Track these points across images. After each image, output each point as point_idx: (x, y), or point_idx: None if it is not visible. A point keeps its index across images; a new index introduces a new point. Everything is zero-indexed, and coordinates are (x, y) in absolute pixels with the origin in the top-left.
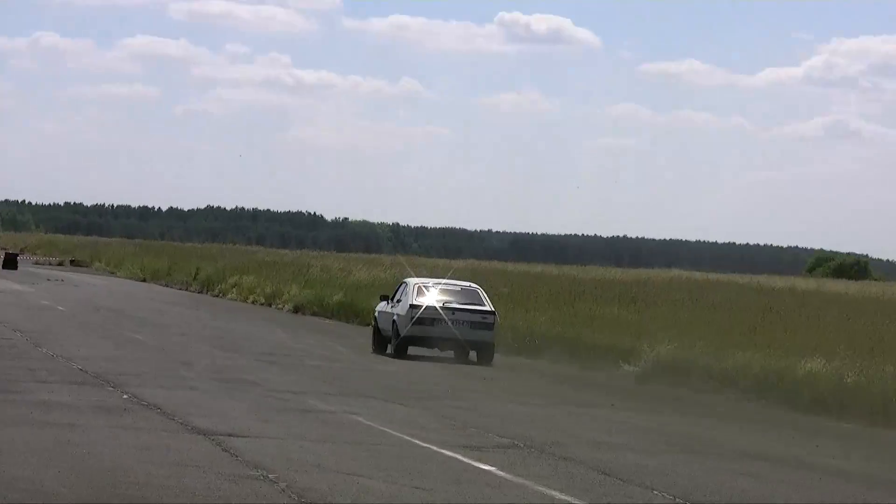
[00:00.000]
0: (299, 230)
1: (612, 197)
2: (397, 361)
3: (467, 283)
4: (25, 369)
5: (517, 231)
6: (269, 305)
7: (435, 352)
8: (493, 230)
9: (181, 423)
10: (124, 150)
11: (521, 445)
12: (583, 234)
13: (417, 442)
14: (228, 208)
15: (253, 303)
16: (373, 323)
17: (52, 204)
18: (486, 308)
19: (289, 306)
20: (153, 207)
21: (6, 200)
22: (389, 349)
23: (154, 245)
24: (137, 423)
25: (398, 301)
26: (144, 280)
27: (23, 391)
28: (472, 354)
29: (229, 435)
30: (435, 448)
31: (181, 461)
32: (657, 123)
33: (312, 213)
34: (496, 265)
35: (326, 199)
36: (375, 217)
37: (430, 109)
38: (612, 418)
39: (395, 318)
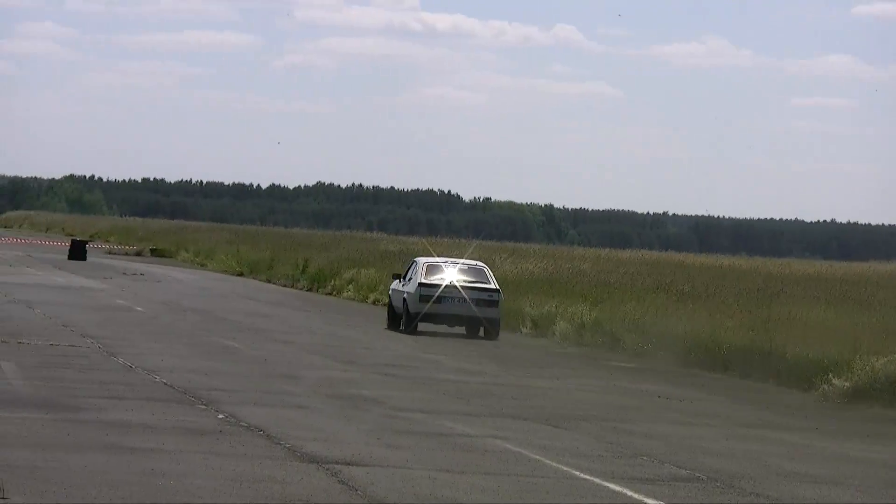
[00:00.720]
0: (430, 213)
1: (816, 171)
2: (548, 377)
3: (474, 262)
4: (98, 384)
5: (698, 214)
6: None
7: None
8: (669, 213)
9: (288, 449)
10: (213, 114)
11: (703, 478)
12: (780, 219)
13: (577, 473)
14: (343, 186)
15: (374, 303)
16: (388, 301)
17: (127, 181)
18: (491, 286)
19: None
20: (251, 185)
21: (71, 176)
22: (402, 326)
23: (252, 231)
24: (236, 449)
25: (409, 280)
26: (241, 274)
27: (95, 410)
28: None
29: (347, 463)
30: (598, 481)
31: (290, 495)
32: (876, 79)
33: (446, 192)
34: (673, 257)
35: (463, 175)
36: (524, 197)
37: (590, 63)
38: (813, 446)
39: (405, 296)
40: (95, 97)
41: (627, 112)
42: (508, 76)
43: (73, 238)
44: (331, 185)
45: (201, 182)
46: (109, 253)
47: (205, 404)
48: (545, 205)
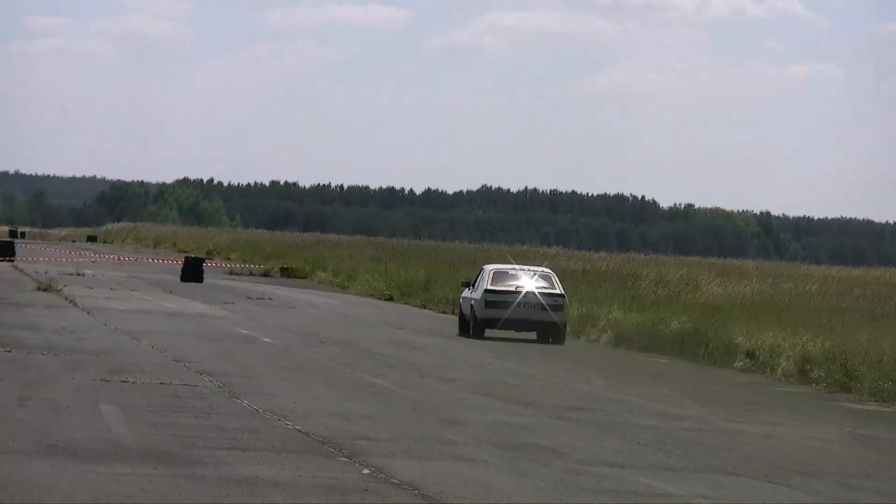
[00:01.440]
0: (621, 222)
1: None
2: (767, 422)
3: (541, 268)
4: (218, 431)
5: None
6: (577, 336)
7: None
8: None
9: None
10: (355, 106)
11: None
12: None
13: None
14: (513, 191)
15: None
16: (459, 309)
17: (252, 185)
18: (556, 291)
19: (606, 336)
20: (402, 190)
21: (185, 180)
22: (469, 332)
23: (404, 246)
24: None
25: (476, 287)
26: (390, 298)
27: (215, 463)
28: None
29: None
30: None
31: None
32: None
33: (640, 197)
34: None
35: (660, 178)
36: (734, 204)
37: (814, 40)
38: None
39: (472, 302)
40: (213, 86)
41: (860, 99)
42: (713, 56)
43: (187, 255)
44: (498, 189)
45: (341, 187)
46: (231, 273)
47: (347, 456)
48: (760, 212)
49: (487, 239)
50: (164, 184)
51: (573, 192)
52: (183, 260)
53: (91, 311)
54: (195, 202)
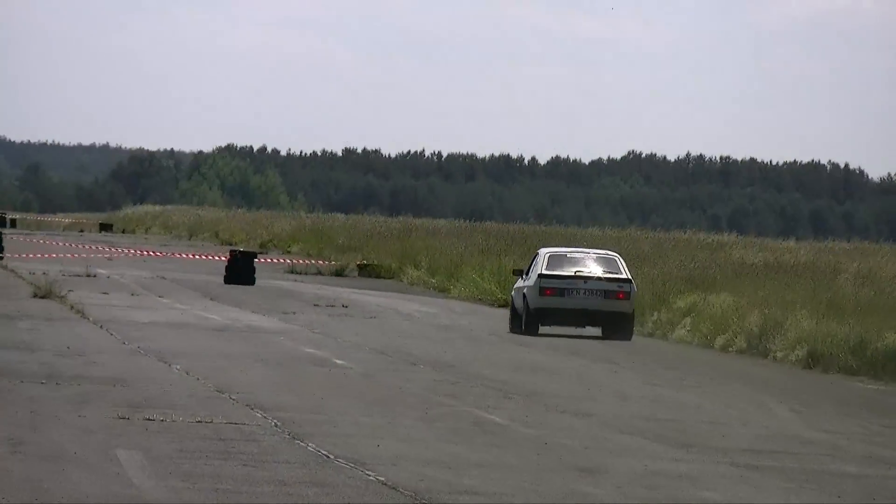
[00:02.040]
0: (815, 199)
1: None
2: None
3: (605, 252)
4: (275, 484)
5: None
6: (763, 355)
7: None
8: None
9: None
10: (455, 48)
11: None
12: None
13: None
14: (670, 158)
15: (725, 350)
16: (510, 302)
17: (319, 154)
18: (622, 276)
19: (795, 354)
20: (520, 160)
21: (229, 147)
22: (522, 326)
23: (525, 233)
24: None
25: (528, 274)
26: (506, 304)
27: None
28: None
29: None
30: None
31: None
32: None
33: (841, 166)
34: None
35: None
36: None
37: None
38: None
39: (525, 291)
40: (266, 20)
41: None
42: None
43: (234, 249)
44: (651, 157)
45: (439, 155)
46: (292, 272)
47: None
48: None
49: (637, 221)
50: (200, 153)
51: (751, 159)
52: (228, 255)
53: (105, 325)
54: (243, 177)
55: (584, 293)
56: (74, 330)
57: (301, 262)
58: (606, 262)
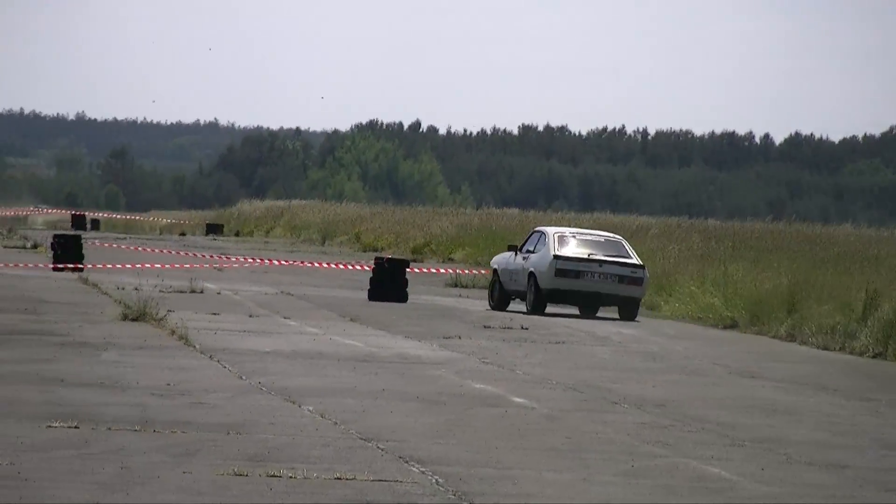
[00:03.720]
0: None
1: None
2: None
3: (611, 234)
4: None
5: None
6: None
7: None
8: None
9: None
10: None
11: None
12: None
13: None
14: None
15: None
16: (492, 276)
17: (488, 133)
18: (635, 261)
19: None
20: (749, 137)
21: (372, 125)
22: (526, 307)
23: (755, 232)
24: None
25: (531, 252)
26: (733, 325)
27: None
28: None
29: None
30: None
31: None
32: None
33: None
34: None
35: None
36: None
37: None
38: None
39: (531, 270)
40: None
41: None
42: None
43: (379, 256)
44: None
45: (643, 133)
46: (455, 285)
47: None
48: None
49: None
50: (335, 133)
51: None
52: (372, 264)
53: (216, 356)
54: (391, 163)
55: (599, 276)
56: (176, 361)
57: (466, 271)
58: (614, 246)
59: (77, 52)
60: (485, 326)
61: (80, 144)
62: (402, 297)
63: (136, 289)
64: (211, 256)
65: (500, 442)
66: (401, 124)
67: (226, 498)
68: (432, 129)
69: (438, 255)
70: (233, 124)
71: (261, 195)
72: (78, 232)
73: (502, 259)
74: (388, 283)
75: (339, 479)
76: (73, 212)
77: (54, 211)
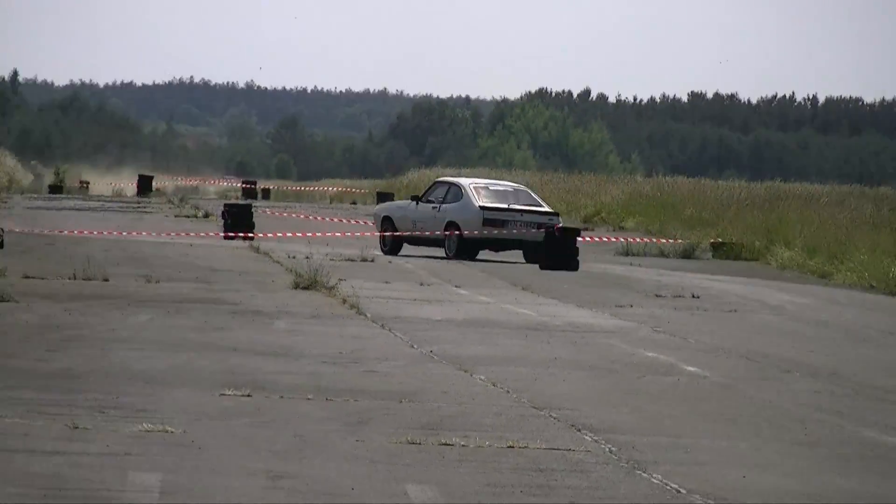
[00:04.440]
0: None
1: None
2: None
3: (516, 184)
4: None
5: None
6: None
7: None
8: None
9: None
10: None
11: None
12: None
13: None
14: None
15: None
16: (382, 224)
17: (658, 99)
18: (548, 209)
19: None
20: None
21: (542, 93)
22: (446, 253)
23: None
24: None
25: (442, 202)
26: None
27: None
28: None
29: None
30: None
31: None
32: None
33: None
34: None
35: None
36: None
37: None
38: None
39: (451, 220)
40: None
41: None
42: None
43: (546, 223)
44: None
45: (813, 101)
46: (626, 254)
47: None
48: None
49: None
50: (504, 101)
51: None
52: (543, 232)
53: (387, 324)
54: (561, 132)
55: (520, 224)
56: (347, 330)
57: (637, 240)
58: (525, 196)
59: (246, 21)
60: (656, 295)
61: (250, 113)
62: (573, 266)
63: (306, 257)
64: None
65: (673, 410)
66: (570, 92)
67: (398, 466)
68: (602, 97)
69: (609, 224)
70: (401, 92)
71: (431, 163)
72: (249, 201)
73: (396, 207)
74: (560, 252)
75: (511, 447)
76: (244, 181)
77: (225, 181)
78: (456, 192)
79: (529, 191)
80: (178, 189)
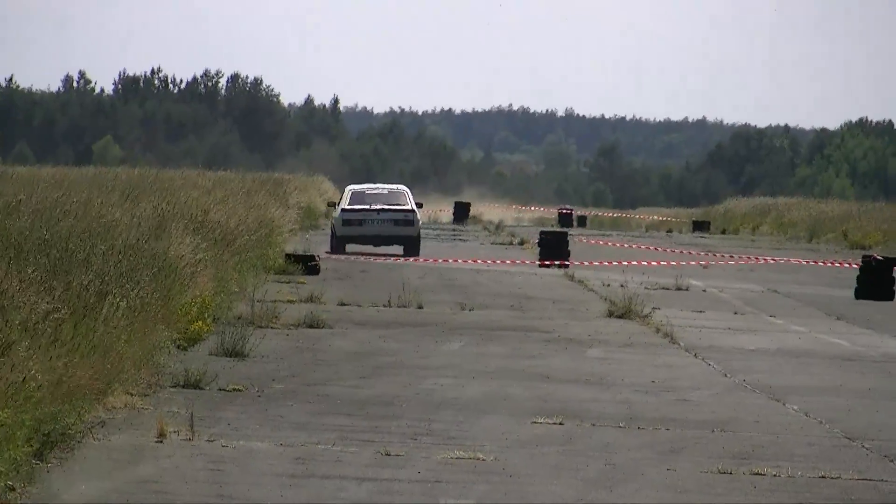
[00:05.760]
0: None
1: None
2: None
3: (395, 186)
4: None
5: None
6: None
7: None
8: None
9: None
10: None
11: None
12: None
13: None
14: None
15: None
16: (331, 229)
17: None
18: (407, 207)
19: None
20: None
21: (861, 123)
22: (330, 249)
23: None
24: None
25: (336, 207)
26: None
27: None
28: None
29: None
30: None
31: None
32: None
33: None
34: None
35: None
36: None
37: None
38: None
39: (333, 221)
40: None
41: None
42: None
43: (868, 254)
44: None
45: None
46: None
47: None
48: None
49: None
50: (824, 131)
51: None
52: (860, 262)
53: (700, 353)
54: (879, 161)
55: (377, 222)
56: (660, 359)
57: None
58: (396, 196)
59: (564, 49)
60: None
61: (568, 141)
62: (889, 296)
63: (621, 286)
64: (697, 253)
65: None
66: (890, 122)
67: (710, 496)
68: None
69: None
70: (720, 121)
71: (748, 192)
72: (564, 229)
73: (334, 214)
74: (876, 282)
75: (823, 477)
76: (561, 208)
77: (541, 208)
78: (342, 197)
79: (406, 192)
80: (495, 216)
